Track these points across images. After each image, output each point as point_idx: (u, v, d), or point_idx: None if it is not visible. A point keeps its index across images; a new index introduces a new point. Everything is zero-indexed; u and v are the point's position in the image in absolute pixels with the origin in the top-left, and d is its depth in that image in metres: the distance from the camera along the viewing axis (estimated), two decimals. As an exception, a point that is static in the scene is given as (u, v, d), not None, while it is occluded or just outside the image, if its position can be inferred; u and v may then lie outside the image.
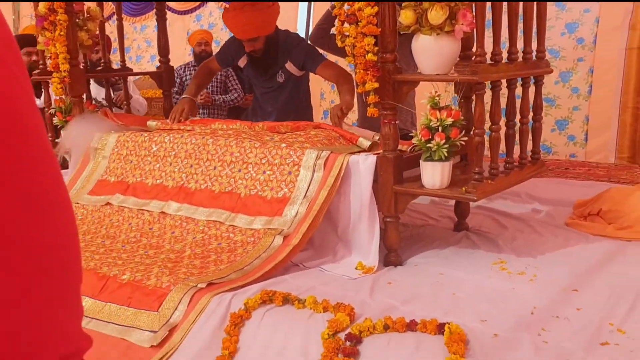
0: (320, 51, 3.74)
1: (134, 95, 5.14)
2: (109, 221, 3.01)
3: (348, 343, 1.86)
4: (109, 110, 3.64)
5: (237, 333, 2.05)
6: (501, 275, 2.31)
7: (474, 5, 2.28)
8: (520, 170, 2.61)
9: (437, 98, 2.34)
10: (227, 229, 2.67)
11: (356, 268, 2.47)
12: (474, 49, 2.38)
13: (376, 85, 2.37)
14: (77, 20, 3.62)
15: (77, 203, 3.18)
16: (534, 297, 2.08)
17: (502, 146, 2.50)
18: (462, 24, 2.27)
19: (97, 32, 3.85)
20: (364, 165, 2.50)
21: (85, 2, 3.69)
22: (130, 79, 5.12)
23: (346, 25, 2.41)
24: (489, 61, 2.40)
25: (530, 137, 2.67)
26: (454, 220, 3.00)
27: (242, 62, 3.73)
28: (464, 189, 2.35)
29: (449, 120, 2.32)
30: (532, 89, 2.68)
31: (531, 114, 2.67)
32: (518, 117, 2.63)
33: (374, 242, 2.50)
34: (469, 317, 1.94)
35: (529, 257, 2.48)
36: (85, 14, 3.69)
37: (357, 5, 2.37)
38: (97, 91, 5.03)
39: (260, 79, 3.76)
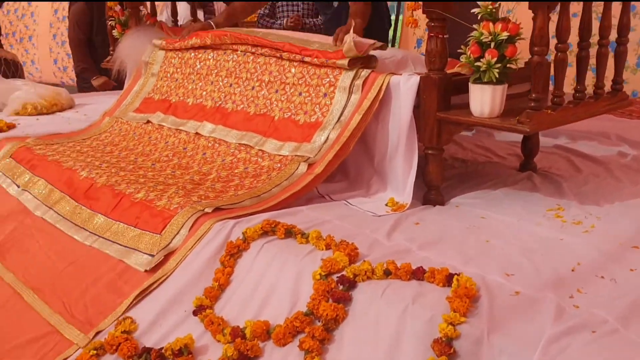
0: None
1: None
2: (148, 138, 2.88)
3: (340, 287, 1.61)
4: (165, 24, 3.47)
5: (232, 264, 1.85)
6: (552, 224, 1.94)
7: None
8: (594, 102, 2.17)
9: (491, 7, 1.95)
10: (257, 153, 2.45)
11: (386, 204, 2.18)
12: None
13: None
14: None
15: (122, 119, 3.08)
16: (582, 251, 1.72)
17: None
18: None
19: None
20: (405, 87, 2.17)
21: None
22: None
23: None
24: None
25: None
26: (522, 159, 2.61)
27: None
28: (517, 118, 1.98)
29: (504, 35, 1.93)
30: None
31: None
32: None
33: (410, 177, 2.19)
34: (494, 268, 1.62)
35: (594, 205, 2.09)
36: None
37: None
38: (186, 10, 4.89)
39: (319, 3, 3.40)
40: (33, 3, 10.52)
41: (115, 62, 3.44)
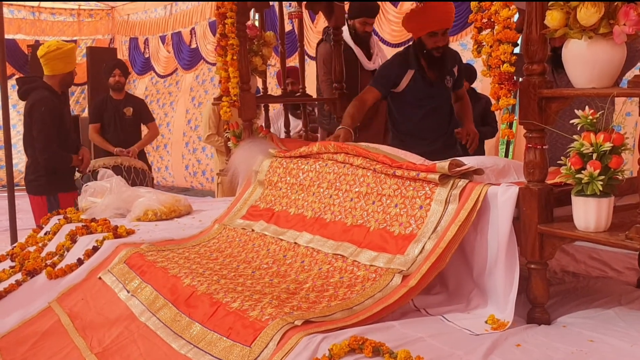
0: None
1: None
2: (252, 245, 2.94)
3: (425, 414, 1.51)
4: (276, 135, 3.63)
5: (317, 382, 1.80)
6: (671, 351, 1.74)
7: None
8: None
9: (590, 117, 1.87)
10: (352, 263, 2.42)
11: (486, 322, 2.06)
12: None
13: (512, 101, 1.98)
14: (252, 45, 3.68)
15: (229, 226, 3.18)
16: None
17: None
18: (624, 25, 1.79)
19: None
20: (502, 198, 2.10)
21: (258, 29, 3.73)
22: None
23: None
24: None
25: None
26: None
27: (404, 83, 3.58)
28: (625, 234, 1.84)
29: (607, 146, 1.84)
30: None
31: None
32: None
33: (512, 292, 2.07)
34: (598, 402, 1.46)
35: None
36: (261, 40, 3.73)
37: (493, 7, 2.01)
38: (294, 123, 5.11)
39: (428, 90, 3.64)
40: (169, 113, 11.44)
41: (229, 172, 3.59)
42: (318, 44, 4.57)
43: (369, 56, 4.43)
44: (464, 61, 4.25)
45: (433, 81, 3.63)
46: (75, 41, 11.64)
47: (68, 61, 4.49)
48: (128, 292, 2.75)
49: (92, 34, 11.88)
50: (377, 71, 3.77)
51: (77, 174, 4.67)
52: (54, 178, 4.56)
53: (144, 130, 6.28)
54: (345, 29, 4.15)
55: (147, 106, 6.42)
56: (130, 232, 3.47)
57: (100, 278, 2.96)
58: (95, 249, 3.24)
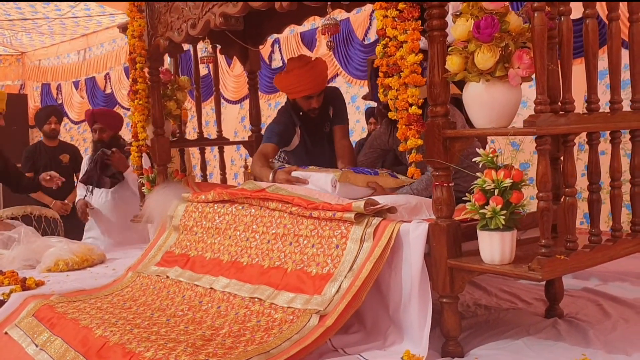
0: None
1: None
2: (167, 292, 2.88)
3: None
4: (192, 179, 3.60)
5: None
6: (576, 377, 1.82)
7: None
8: (612, 245, 2.10)
9: (491, 155, 1.96)
10: (270, 306, 2.41)
11: (402, 358, 2.09)
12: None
13: (420, 142, 2.05)
14: (166, 90, 3.67)
15: (143, 274, 3.10)
16: (606, 410, 1.59)
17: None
18: (518, 68, 1.90)
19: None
20: (414, 235, 2.16)
21: (173, 74, 3.73)
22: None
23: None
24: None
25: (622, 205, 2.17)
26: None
27: (296, 140, 3.51)
28: (528, 265, 1.92)
29: (507, 182, 1.93)
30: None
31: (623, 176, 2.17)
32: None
33: (426, 327, 2.11)
34: None
35: (622, 354, 1.95)
36: (175, 84, 3.73)
37: (399, 53, 2.09)
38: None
39: (310, 144, 3.51)
40: (84, 160, 11.12)
41: (143, 217, 3.53)
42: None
43: None
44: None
45: (317, 130, 3.51)
46: (-19, 87, 11.25)
47: None
48: (37, 346, 2.61)
49: (1, 79, 11.50)
50: (266, 129, 3.52)
51: None
52: None
53: None
54: None
55: (81, 154, 6.24)
56: (39, 284, 3.33)
57: (6, 333, 2.81)
58: (1, 303, 3.08)
